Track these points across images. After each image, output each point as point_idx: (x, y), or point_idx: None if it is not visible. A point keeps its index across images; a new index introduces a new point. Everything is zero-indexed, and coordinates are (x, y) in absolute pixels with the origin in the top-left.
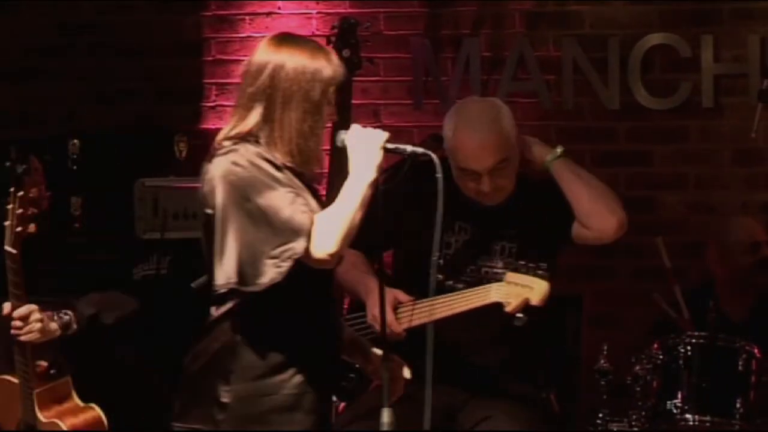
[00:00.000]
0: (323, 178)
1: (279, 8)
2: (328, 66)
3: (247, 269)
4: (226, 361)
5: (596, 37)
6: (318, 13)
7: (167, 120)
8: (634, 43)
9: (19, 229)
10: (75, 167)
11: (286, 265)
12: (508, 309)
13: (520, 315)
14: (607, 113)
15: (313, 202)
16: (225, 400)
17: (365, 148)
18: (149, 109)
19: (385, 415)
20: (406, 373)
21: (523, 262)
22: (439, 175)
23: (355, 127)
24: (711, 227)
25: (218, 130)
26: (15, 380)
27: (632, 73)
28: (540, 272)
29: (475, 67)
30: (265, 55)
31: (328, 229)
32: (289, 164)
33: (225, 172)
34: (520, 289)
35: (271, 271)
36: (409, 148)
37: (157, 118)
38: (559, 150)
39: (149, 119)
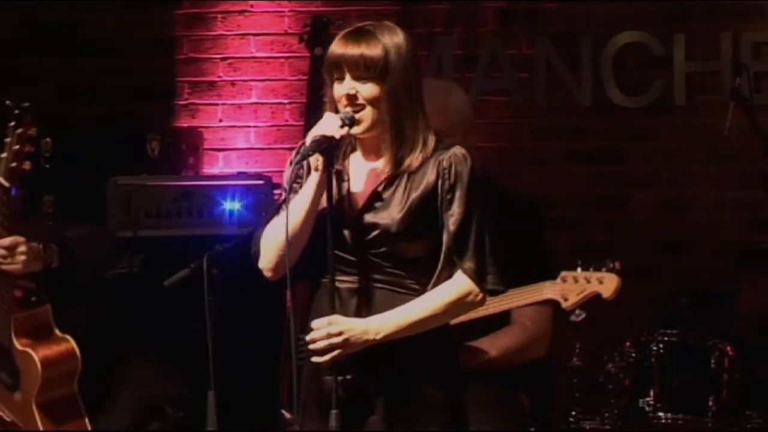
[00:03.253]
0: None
1: (252, 6)
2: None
3: None
4: None
5: (569, 35)
6: (290, 11)
7: (139, 118)
8: (607, 41)
9: (14, 164)
10: (47, 165)
11: None
12: (565, 305)
13: (578, 311)
14: (579, 111)
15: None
16: None
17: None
18: (121, 107)
19: (333, 419)
20: None
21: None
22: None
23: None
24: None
25: (190, 128)
26: None
27: (605, 71)
28: (604, 268)
29: (447, 66)
30: None
31: (262, 244)
32: None
33: None
34: (583, 285)
35: None
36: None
37: (130, 117)
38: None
39: (121, 117)
